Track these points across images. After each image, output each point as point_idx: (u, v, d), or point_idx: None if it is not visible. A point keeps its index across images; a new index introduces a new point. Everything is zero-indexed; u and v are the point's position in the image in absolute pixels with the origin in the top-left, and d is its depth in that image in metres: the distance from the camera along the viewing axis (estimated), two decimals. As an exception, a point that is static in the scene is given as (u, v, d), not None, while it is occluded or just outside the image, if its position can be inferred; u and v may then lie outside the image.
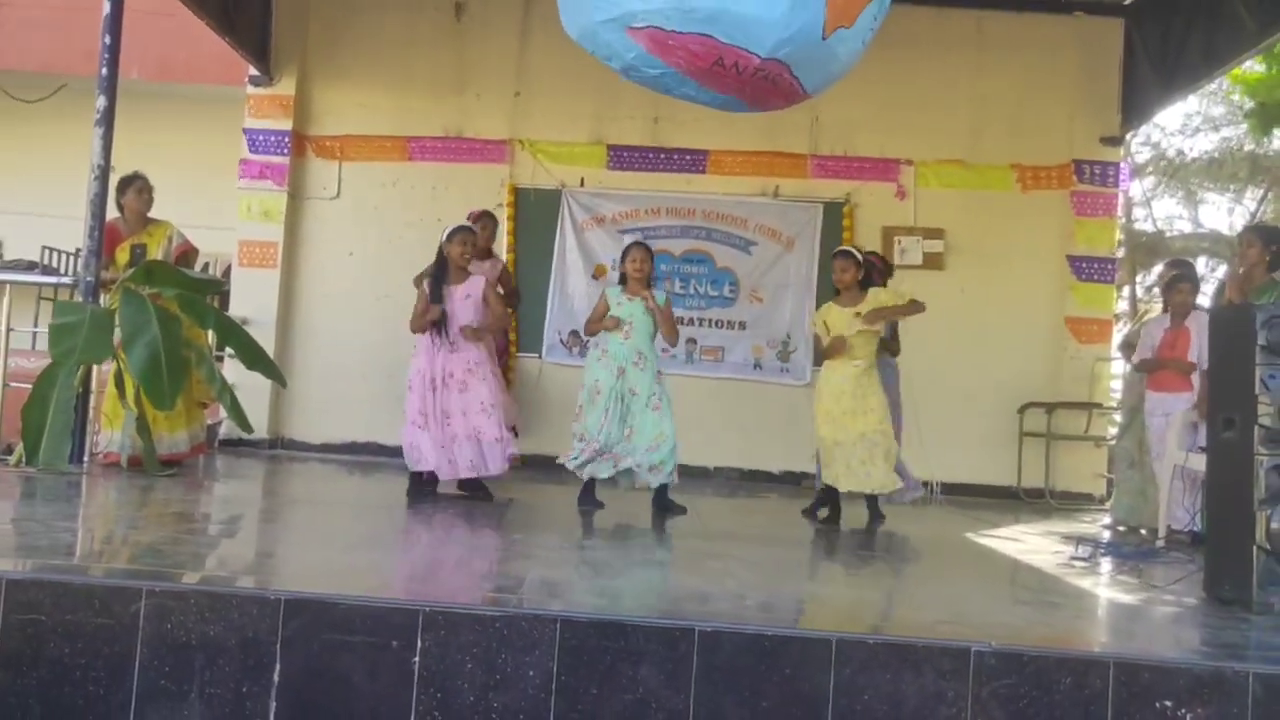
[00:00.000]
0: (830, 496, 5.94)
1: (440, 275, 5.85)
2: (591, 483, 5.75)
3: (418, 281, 6.38)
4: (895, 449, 5.91)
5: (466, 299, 5.84)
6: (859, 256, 6.02)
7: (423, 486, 5.85)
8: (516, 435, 6.45)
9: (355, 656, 2.75)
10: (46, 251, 9.09)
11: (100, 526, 4.41)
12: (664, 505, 5.72)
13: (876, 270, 6.42)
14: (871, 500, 5.87)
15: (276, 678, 2.73)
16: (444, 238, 5.90)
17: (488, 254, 7.12)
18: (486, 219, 7.15)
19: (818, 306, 8.33)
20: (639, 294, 5.79)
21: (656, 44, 3.73)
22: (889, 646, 2.77)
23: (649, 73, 3.89)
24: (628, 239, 8.73)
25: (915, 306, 5.94)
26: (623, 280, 5.94)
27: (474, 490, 5.85)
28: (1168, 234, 15.67)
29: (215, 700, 2.72)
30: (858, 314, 5.84)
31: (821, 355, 6.25)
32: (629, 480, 5.78)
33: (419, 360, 5.83)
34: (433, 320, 5.74)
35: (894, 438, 5.92)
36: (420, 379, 5.78)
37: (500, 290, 6.55)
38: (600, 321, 5.82)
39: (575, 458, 5.71)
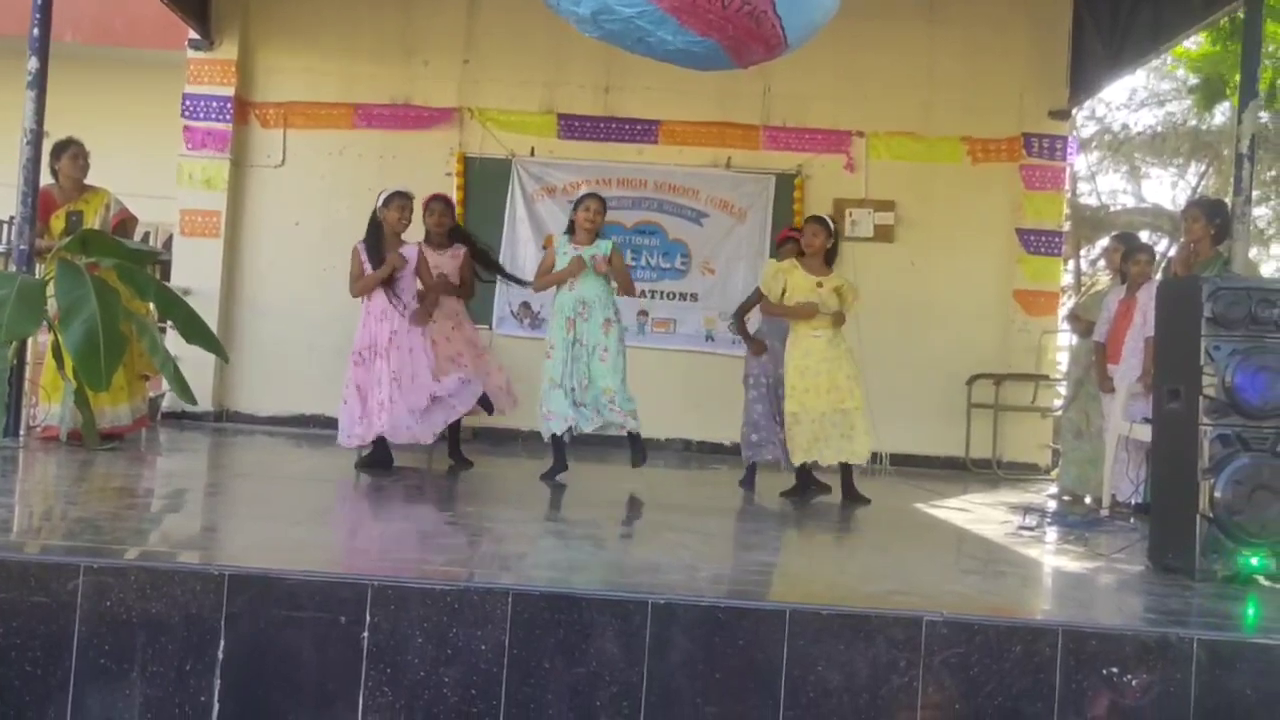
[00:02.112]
0: (801, 474, 5.83)
1: (375, 244, 5.72)
2: (561, 451, 5.72)
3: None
4: (868, 424, 5.70)
5: (405, 267, 5.73)
6: (831, 225, 5.88)
7: (376, 459, 5.74)
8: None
9: (302, 632, 2.70)
10: (-22, 219, 8.81)
11: (37, 501, 4.30)
12: (635, 447, 5.76)
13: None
14: (845, 471, 5.72)
15: (221, 654, 2.67)
16: (379, 203, 5.79)
17: (446, 243, 6.30)
18: (437, 203, 6.33)
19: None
20: (585, 246, 5.73)
21: None
22: (842, 617, 2.77)
23: (624, 12, 3.63)
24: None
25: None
26: (570, 229, 5.86)
27: (457, 458, 5.97)
28: (1111, 208, 15.86)
29: (157, 678, 2.66)
30: (819, 285, 5.73)
31: (766, 311, 6.08)
32: (601, 426, 5.75)
33: (359, 333, 5.75)
34: (387, 273, 5.62)
35: (861, 414, 5.69)
36: (355, 351, 5.72)
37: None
38: (551, 274, 5.74)
39: (552, 426, 5.69)
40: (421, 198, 6.22)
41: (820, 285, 5.74)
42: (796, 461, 5.73)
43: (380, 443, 5.68)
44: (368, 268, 5.71)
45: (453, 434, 6.09)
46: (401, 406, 5.60)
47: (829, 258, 5.87)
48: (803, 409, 5.66)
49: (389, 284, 5.69)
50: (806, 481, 5.86)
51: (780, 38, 3.77)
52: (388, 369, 5.63)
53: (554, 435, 5.69)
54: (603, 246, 5.77)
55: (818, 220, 5.92)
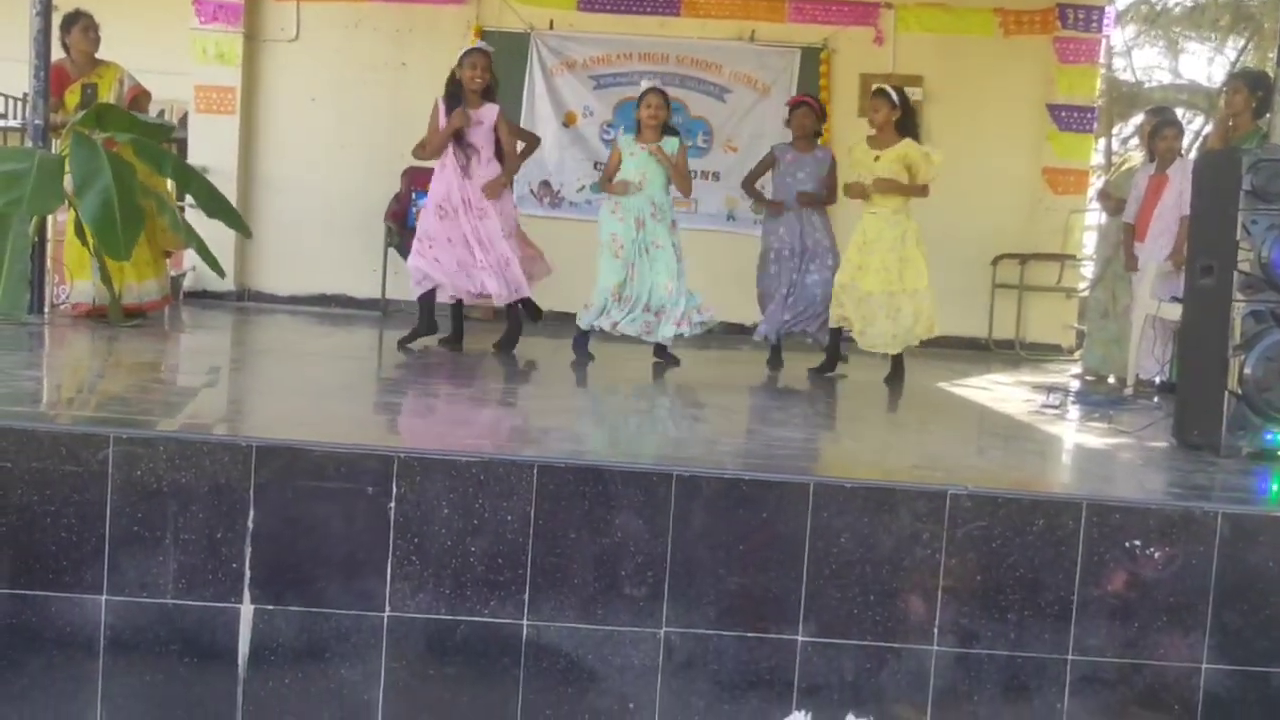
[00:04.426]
0: (832, 341, 5.82)
1: (454, 100, 5.63)
2: (586, 333, 5.70)
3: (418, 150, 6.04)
4: (910, 311, 5.52)
5: (480, 125, 5.65)
6: (893, 96, 5.57)
7: (427, 324, 5.74)
8: None
9: (330, 503, 2.72)
10: (-9, 96, 8.70)
11: (65, 375, 4.34)
12: (662, 355, 5.69)
13: (815, 116, 6.12)
14: (895, 359, 5.69)
15: (251, 524, 2.71)
16: (456, 62, 5.69)
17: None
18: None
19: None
20: (651, 143, 5.59)
21: None
22: (866, 490, 2.78)
23: None
24: (600, 85, 8.56)
25: (920, 191, 5.57)
26: (636, 128, 5.71)
27: (528, 311, 5.95)
28: (1147, 85, 15.41)
29: (190, 546, 2.70)
30: (876, 159, 5.53)
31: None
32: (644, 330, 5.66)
33: (434, 184, 5.70)
34: (452, 130, 5.54)
35: (913, 296, 5.52)
36: (434, 203, 5.67)
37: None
38: (612, 185, 5.63)
39: (589, 318, 5.64)
40: (439, 76, 6.06)
41: (877, 160, 5.54)
42: (831, 325, 5.73)
43: (428, 308, 5.71)
44: (443, 122, 5.62)
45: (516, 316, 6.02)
46: (487, 268, 5.64)
47: (904, 129, 5.57)
48: (852, 283, 5.58)
49: (460, 142, 5.60)
50: (835, 354, 5.82)
51: None
52: (472, 232, 5.62)
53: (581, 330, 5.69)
54: (670, 144, 5.62)
55: (878, 94, 5.65)
